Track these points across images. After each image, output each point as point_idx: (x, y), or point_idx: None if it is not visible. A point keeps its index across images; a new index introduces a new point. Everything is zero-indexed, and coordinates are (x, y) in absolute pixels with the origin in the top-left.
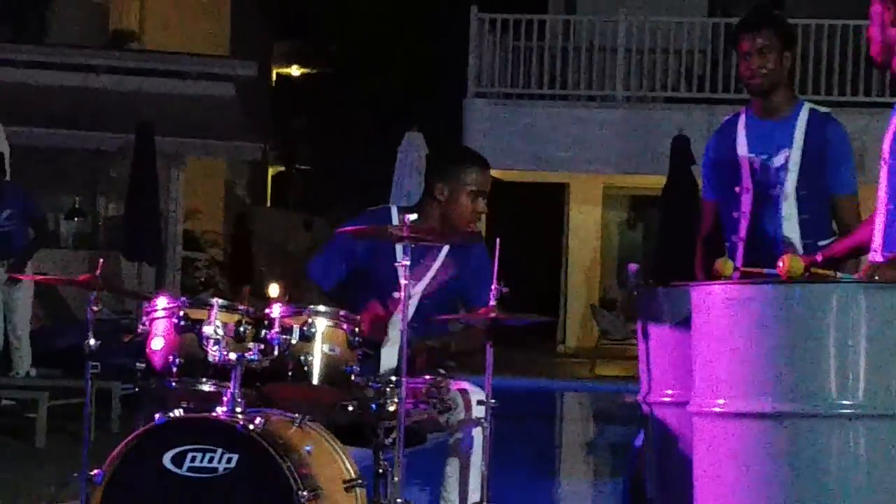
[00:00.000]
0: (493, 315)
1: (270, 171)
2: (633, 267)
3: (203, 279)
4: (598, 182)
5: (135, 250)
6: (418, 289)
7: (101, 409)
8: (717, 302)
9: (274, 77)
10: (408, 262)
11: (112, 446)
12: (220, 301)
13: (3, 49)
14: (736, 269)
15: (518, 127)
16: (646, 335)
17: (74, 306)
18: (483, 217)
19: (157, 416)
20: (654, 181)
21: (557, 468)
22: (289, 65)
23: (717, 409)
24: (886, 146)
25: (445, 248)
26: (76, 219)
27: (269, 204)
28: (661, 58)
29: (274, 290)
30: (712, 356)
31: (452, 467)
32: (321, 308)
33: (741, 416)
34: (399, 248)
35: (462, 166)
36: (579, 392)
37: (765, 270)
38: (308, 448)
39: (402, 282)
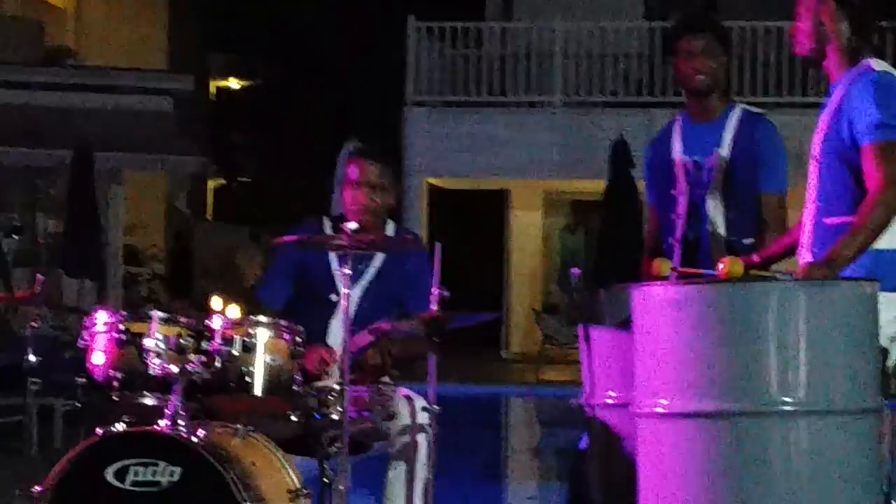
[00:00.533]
0: (435, 315)
1: (211, 185)
2: (575, 271)
3: (145, 294)
4: (539, 187)
5: (75, 267)
6: (354, 295)
7: (43, 427)
8: (657, 303)
9: (213, 90)
10: (348, 271)
11: (55, 463)
12: (161, 314)
13: None
14: (673, 269)
15: (457, 135)
16: (587, 338)
17: (14, 323)
18: (370, 208)
19: (98, 430)
20: (595, 186)
21: (502, 474)
22: (227, 77)
23: (659, 410)
24: (816, 145)
25: (381, 255)
26: (15, 236)
27: (210, 217)
28: (598, 63)
29: (217, 303)
30: (654, 357)
31: (396, 474)
32: (262, 319)
33: (684, 416)
34: (333, 256)
35: (344, 163)
36: (524, 397)
37: (702, 272)
38: (251, 459)
39: (343, 290)
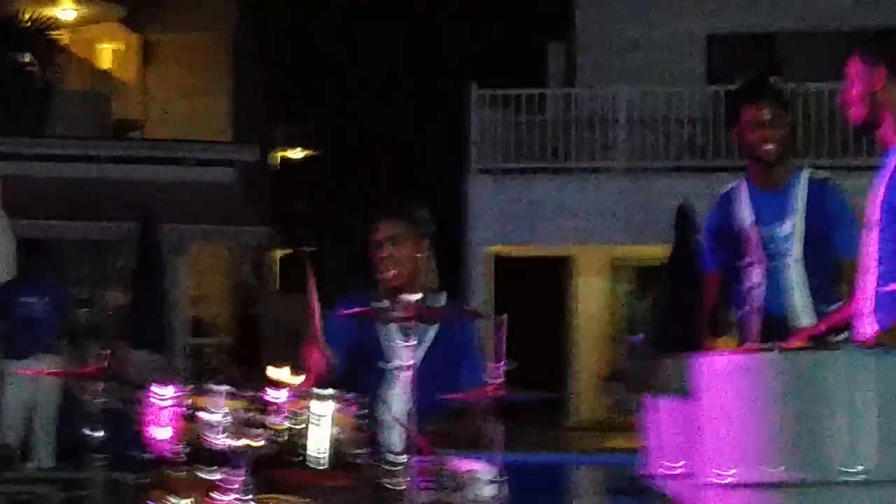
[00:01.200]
0: (498, 392)
1: (277, 254)
2: (636, 338)
3: (213, 365)
4: (604, 253)
5: (142, 339)
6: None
7: (114, 499)
8: (721, 371)
9: (276, 160)
10: (412, 342)
11: None
12: (225, 387)
13: (6, 142)
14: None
15: (521, 201)
16: (650, 406)
17: (81, 397)
18: (395, 265)
19: None
20: (660, 251)
21: None
22: (289, 147)
23: (726, 481)
24: (874, 209)
25: (435, 326)
26: (83, 309)
27: (277, 287)
28: (661, 127)
29: (280, 373)
30: (719, 426)
31: None
32: (326, 391)
33: (751, 486)
34: (390, 327)
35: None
36: (590, 465)
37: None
38: None
39: (404, 363)
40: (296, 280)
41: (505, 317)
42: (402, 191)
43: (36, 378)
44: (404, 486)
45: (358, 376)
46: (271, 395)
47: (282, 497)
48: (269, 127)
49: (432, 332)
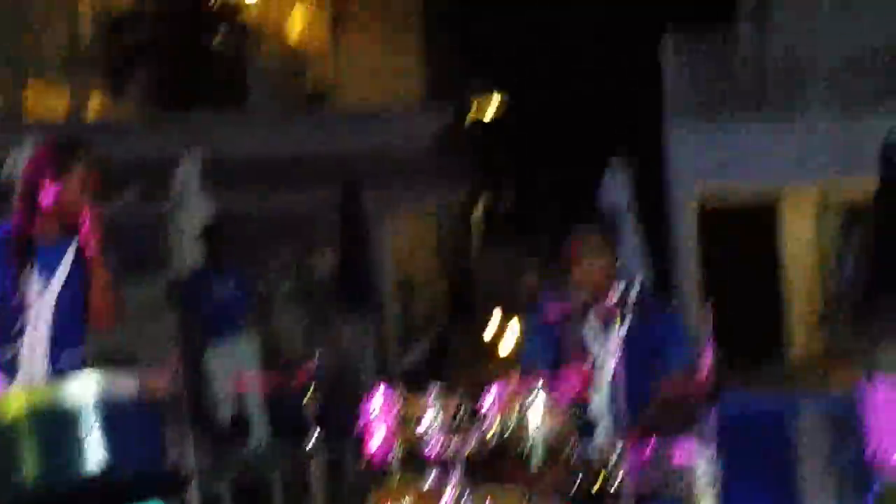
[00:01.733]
0: (706, 381)
1: (479, 209)
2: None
3: (422, 327)
4: (811, 195)
5: (349, 306)
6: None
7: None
8: None
9: (472, 114)
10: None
11: None
12: (436, 391)
13: (205, 118)
14: None
15: (724, 145)
16: (870, 394)
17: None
18: (591, 278)
19: None
20: (867, 186)
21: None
22: (485, 100)
23: None
24: None
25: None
26: (291, 280)
27: (481, 242)
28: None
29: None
30: None
31: None
32: (537, 388)
33: None
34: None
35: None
36: (814, 406)
37: None
38: None
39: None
40: (497, 235)
41: (710, 303)
42: (603, 140)
43: (235, 353)
44: (619, 480)
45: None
46: (487, 395)
47: (498, 489)
48: (464, 85)
49: (627, 322)
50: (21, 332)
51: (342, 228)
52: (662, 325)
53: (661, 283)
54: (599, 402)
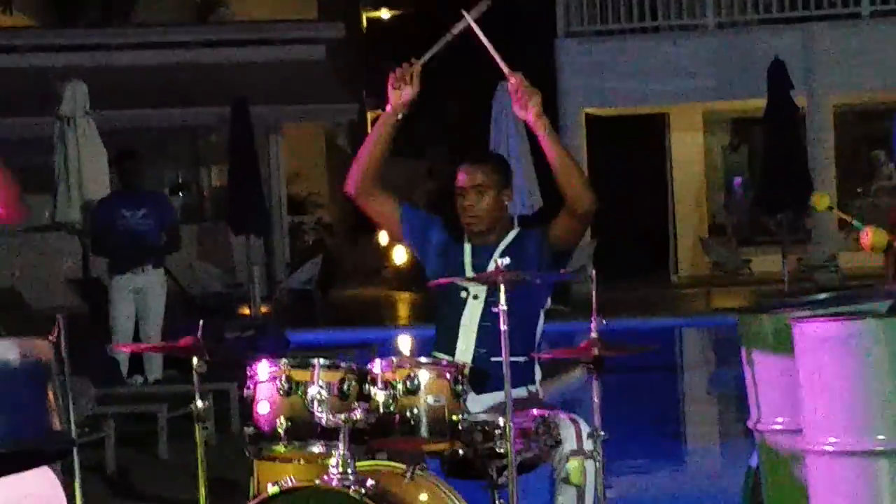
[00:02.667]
0: (595, 351)
1: (371, 118)
2: (737, 180)
3: (311, 242)
4: (698, 109)
5: (241, 222)
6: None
7: (220, 409)
8: (819, 339)
9: (364, 22)
10: (504, 307)
11: (234, 447)
12: (322, 360)
13: (94, 34)
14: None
15: (612, 63)
16: (751, 361)
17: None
18: (474, 214)
19: (269, 486)
20: (754, 104)
21: (681, 430)
22: (378, 8)
23: (828, 448)
24: None
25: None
26: (181, 193)
27: None
28: None
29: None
30: (820, 394)
31: (566, 499)
32: (423, 360)
33: (853, 454)
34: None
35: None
36: (696, 328)
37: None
38: (423, 498)
39: (502, 325)
40: (394, 145)
41: (593, 272)
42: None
43: (142, 288)
44: (504, 448)
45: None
46: (375, 365)
47: (383, 463)
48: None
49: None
50: None
51: (232, 143)
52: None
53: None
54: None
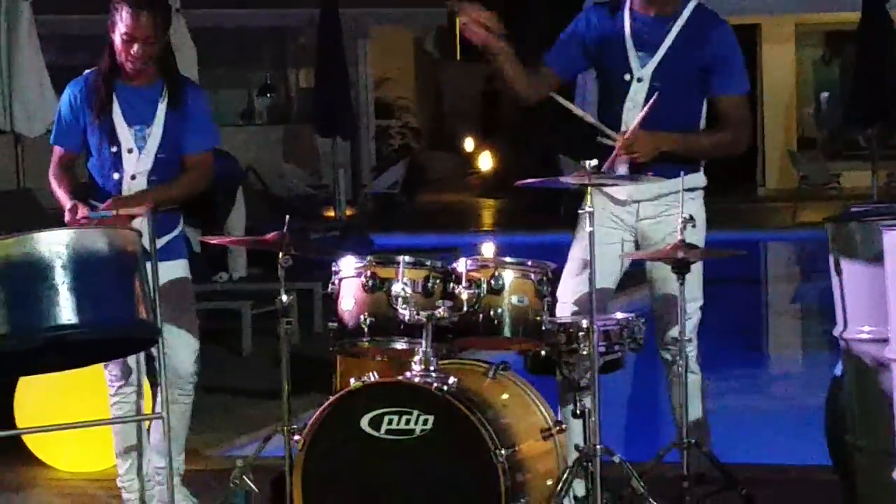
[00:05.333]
0: (680, 254)
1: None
2: (824, 96)
3: (397, 146)
4: (791, 21)
5: (328, 125)
6: None
7: (303, 308)
8: None
9: None
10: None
11: (317, 345)
12: (407, 258)
13: None
14: None
15: None
16: (839, 270)
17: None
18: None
19: (352, 380)
20: (848, 17)
21: (766, 341)
22: None
23: None
24: None
25: None
26: (268, 94)
27: (460, 58)
28: None
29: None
30: None
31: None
32: (508, 259)
33: None
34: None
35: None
36: (782, 241)
37: None
38: (503, 400)
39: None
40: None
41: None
42: None
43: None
44: (587, 351)
45: None
46: (459, 264)
47: (466, 361)
48: None
49: None
50: (119, 182)
51: (320, 46)
52: None
53: None
54: None
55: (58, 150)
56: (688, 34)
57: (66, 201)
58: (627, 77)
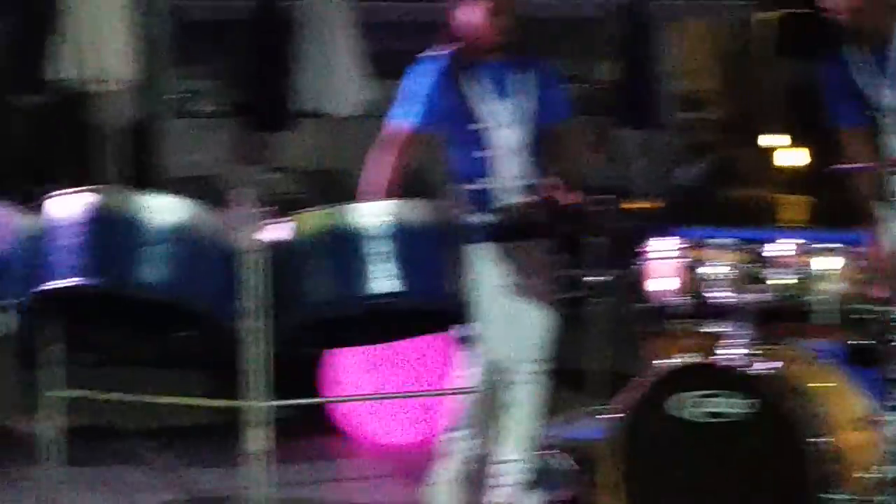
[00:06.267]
0: None
1: (771, 16)
2: None
3: (702, 140)
4: None
5: (631, 116)
6: None
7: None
8: None
9: None
10: None
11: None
12: (730, 241)
13: None
14: None
15: None
16: None
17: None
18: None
19: (667, 361)
20: None
21: None
22: None
23: None
24: None
25: None
26: (575, 84)
27: (773, 52)
28: None
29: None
30: None
31: None
32: (830, 246)
33: None
34: None
35: None
36: None
37: None
38: (818, 388)
39: None
40: (793, 42)
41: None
42: None
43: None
44: None
45: None
46: (775, 248)
47: (784, 348)
48: None
49: None
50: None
51: (628, 32)
52: None
53: None
54: None
55: None
56: None
57: None
58: None
